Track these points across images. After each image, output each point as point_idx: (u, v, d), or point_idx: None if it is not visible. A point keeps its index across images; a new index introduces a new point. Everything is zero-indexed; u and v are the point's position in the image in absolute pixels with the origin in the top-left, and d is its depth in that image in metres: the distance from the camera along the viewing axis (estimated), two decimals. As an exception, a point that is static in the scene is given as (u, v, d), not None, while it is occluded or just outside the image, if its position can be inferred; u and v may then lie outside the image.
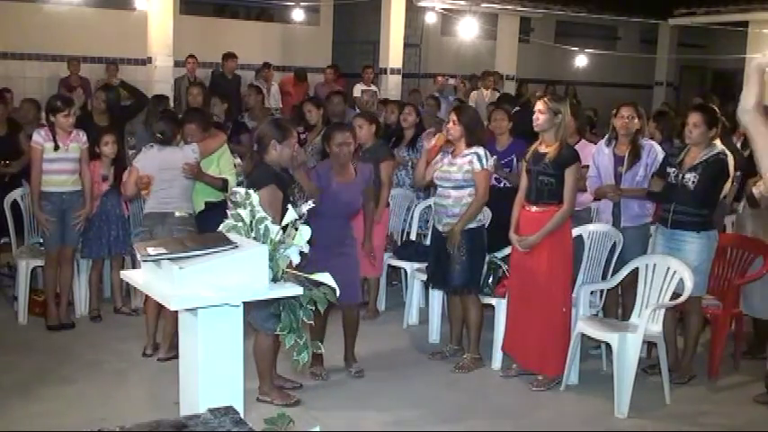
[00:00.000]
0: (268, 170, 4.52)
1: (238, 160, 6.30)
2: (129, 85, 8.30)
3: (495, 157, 6.07)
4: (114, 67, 11.24)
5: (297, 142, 4.81)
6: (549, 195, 4.96)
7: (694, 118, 5.06)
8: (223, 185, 5.56)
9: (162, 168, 5.27)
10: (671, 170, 5.14)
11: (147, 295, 5.01)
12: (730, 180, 5.30)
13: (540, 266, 4.99)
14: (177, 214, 5.26)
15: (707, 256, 5.10)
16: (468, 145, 5.18)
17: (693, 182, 5.00)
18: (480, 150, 5.16)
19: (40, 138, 5.63)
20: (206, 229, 5.22)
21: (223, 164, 5.71)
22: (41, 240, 6.08)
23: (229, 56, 11.74)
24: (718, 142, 5.13)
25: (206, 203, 5.63)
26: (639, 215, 5.52)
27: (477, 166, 5.12)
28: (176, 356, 3.49)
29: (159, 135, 5.36)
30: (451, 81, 13.06)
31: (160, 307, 4.94)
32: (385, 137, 6.97)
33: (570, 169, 4.91)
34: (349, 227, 5.17)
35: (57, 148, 5.62)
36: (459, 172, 5.17)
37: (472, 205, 5.13)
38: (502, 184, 6.19)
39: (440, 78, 12.92)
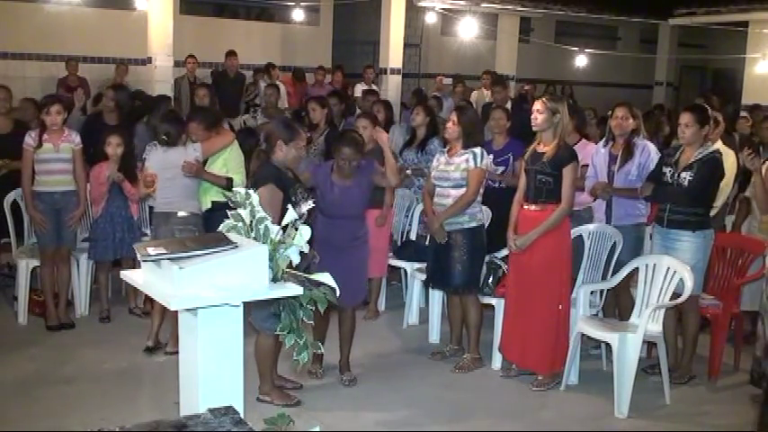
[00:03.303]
0: (270, 169, 4.51)
1: None
2: (141, 91, 8.55)
3: (490, 156, 6.09)
4: (124, 67, 11.13)
5: (304, 144, 4.77)
6: (547, 194, 4.96)
7: (685, 118, 5.08)
8: (228, 184, 5.52)
9: (164, 168, 5.27)
10: (667, 169, 5.15)
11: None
12: (731, 181, 5.30)
13: (536, 265, 4.99)
14: (180, 214, 5.25)
15: (702, 255, 5.10)
16: (465, 146, 5.21)
17: (689, 181, 5.01)
18: (477, 149, 5.21)
19: (30, 139, 5.65)
20: (212, 228, 5.21)
21: (230, 162, 5.65)
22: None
23: (231, 53, 11.73)
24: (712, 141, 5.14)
25: (213, 203, 5.59)
26: (630, 215, 5.52)
27: (471, 164, 5.17)
28: None
29: (164, 137, 5.32)
30: (446, 81, 13.06)
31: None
32: None
33: (568, 168, 4.92)
34: (359, 225, 5.06)
35: (39, 146, 5.61)
36: (457, 171, 5.19)
37: (460, 200, 5.15)
38: (497, 184, 6.22)
39: (439, 78, 12.93)
